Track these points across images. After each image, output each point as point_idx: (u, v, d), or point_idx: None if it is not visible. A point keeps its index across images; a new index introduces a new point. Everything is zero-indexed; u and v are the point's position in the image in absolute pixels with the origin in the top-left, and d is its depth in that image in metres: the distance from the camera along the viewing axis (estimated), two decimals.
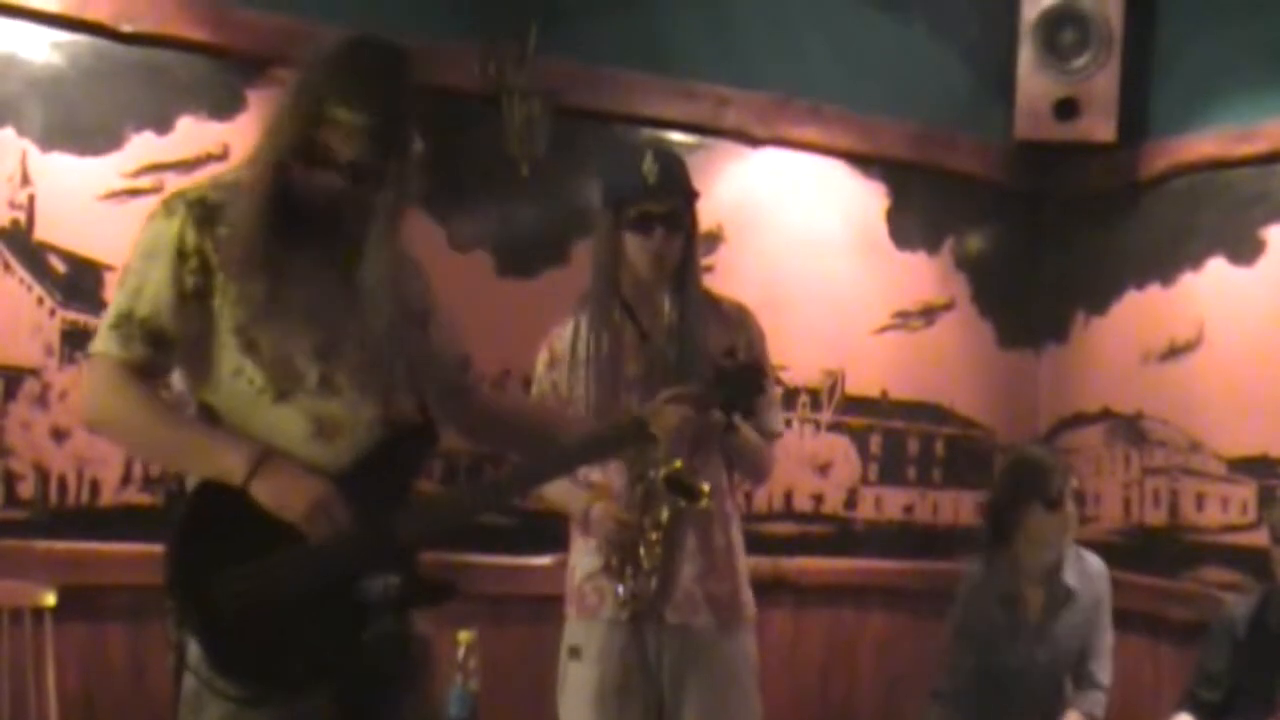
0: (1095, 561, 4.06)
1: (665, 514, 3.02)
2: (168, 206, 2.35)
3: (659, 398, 2.87)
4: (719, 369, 2.88)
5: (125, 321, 2.30)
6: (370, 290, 2.38)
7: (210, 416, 2.37)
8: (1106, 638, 4.01)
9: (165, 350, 2.32)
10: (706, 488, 3.01)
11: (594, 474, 3.20)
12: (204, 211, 2.32)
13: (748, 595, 3.31)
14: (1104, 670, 3.97)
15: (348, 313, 2.38)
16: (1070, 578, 3.97)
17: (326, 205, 2.33)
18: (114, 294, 2.36)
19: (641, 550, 3.04)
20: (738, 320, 3.35)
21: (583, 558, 3.25)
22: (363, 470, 2.35)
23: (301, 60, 2.35)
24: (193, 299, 2.31)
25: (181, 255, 2.30)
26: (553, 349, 3.33)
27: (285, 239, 2.31)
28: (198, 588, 2.25)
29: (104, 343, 2.32)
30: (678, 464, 2.95)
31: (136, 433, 2.38)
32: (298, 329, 2.33)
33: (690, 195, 3.25)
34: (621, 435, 2.77)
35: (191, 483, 2.36)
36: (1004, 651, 3.97)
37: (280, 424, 2.32)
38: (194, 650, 2.25)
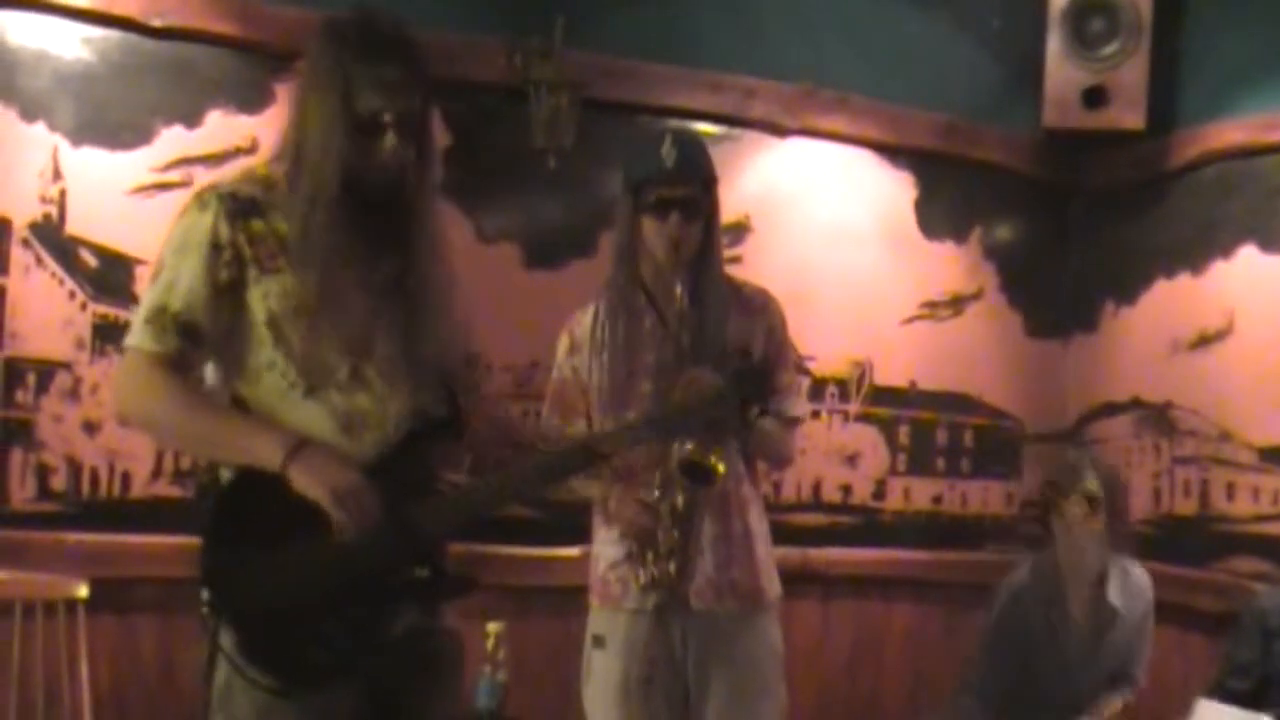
0: (1141, 576, 4.00)
1: (681, 500, 3.00)
2: (200, 200, 2.35)
3: (675, 389, 2.87)
4: (735, 369, 2.80)
5: (159, 315, 2.31)
6: (408, 282, 2.40)
7: (243, 409, 2.37)
8: (1148, 646, 4.00)
9: (198, 343, 2.33)
10: (722, 467, 2.93)
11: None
12: (236, 205, 2.33)
13: (771, 582, 3.27)
14: (1143, 670, 3.98)
15: (380, 304, 2.38)
16: (1114, 595, 3.92)
17: (387, 183, 2.34)
18: (146, 288, 2.36)
19: (660, 535, 3.01)
20: (760, 306, 3.29)
21: (605, 547, 3.23)
22: (388, 463, 2.36)
23: (306, 49, 2.39)
24: (226, 292, 2.32)
25: (215, 248, 2.31)
26: (573, 334, 3.28)
27: (339, 231, 2.32)
28: (232, 577, 2.27)
29: (137, 337, 2.33)
30: (690, 448, 2.88)
31: (171, 425, 2.38)
32: (330, 323, 2.33)
33: (709, 181, 3.17)
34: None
35: (226, 476, 2.37)
36: (1043, 659, 3.94)
37: (308, 420, 2.33)
38: (229, 639, 2.26)
